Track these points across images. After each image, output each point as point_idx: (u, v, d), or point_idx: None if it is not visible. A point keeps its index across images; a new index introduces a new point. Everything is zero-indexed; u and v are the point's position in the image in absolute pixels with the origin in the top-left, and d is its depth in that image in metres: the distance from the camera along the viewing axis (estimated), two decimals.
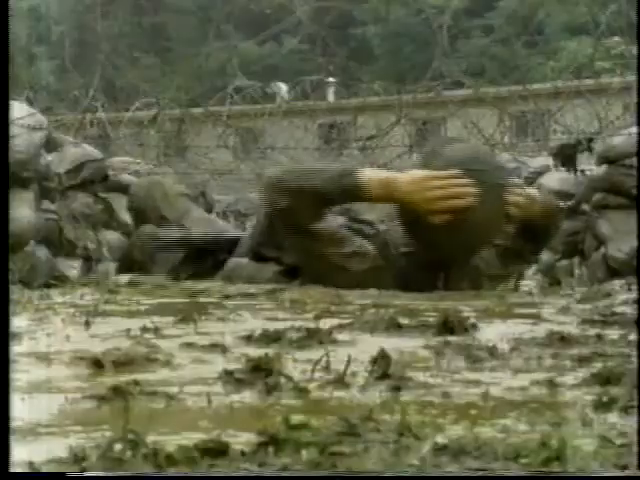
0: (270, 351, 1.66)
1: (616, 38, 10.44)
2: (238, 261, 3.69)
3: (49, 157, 4.99)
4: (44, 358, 1.69)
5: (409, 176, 3.34)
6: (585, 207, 4.91)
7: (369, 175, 3.35)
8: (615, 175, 4.48)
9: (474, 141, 8.28)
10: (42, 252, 4.71)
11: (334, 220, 3.47)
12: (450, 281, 3.46)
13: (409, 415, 1.18)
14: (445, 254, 3.40)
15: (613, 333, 2.02)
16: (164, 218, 4.02)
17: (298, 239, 3.41)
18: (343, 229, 3.46)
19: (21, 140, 4.54)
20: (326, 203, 3.38)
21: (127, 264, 4.14)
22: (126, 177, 6.66)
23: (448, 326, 2.03)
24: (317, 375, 1.50)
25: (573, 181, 5.48)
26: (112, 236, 5.89)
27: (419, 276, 3.43)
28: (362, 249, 3.43)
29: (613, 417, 1.20)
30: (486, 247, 3.46)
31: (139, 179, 5.35)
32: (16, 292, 3.14)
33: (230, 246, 3.82)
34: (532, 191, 3.64)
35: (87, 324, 2.21)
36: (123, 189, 6.50)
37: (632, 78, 7.95)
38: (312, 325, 2.04)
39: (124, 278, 3.76)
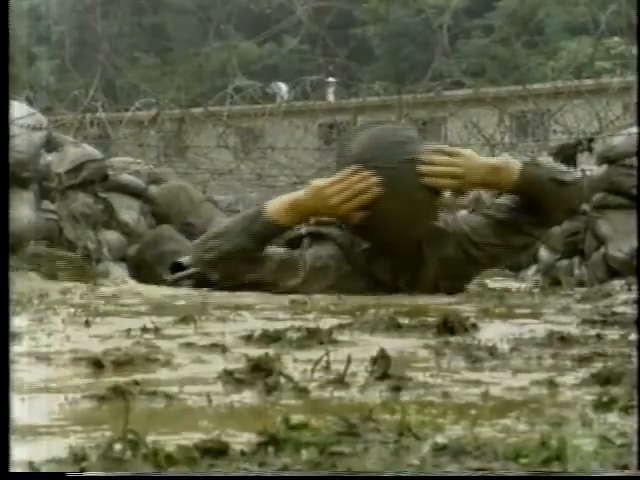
0: (270, 351, 1.66)
1: (616, 38, 10.43)
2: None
3: (49, 157, 4.98)
4: (44, 358, 1.69)
5: (309, 191, 3.41)
6: (585, 207, 4.91)
7: (272, 208, 3.42)
8: (615, 175, 4.48)
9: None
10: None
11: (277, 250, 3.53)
12: (416, 277, 3.45)
13: (409, 415, 1.18)
14: (386, 244, 3.41)
15: (613, 333, 2.02)
16: (189, 224, 4.03)
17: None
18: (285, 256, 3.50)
19: (21, 140, 4.54)
20: (254, 252, 3.43)
21: (136, 265, 4.14)
22: (126, 177, 6.66)
23: (448, 326, 2.03)
24: (317, 375, 1.50)
25: None
26: (112, 236, 5.88)
27: (382, 273, 3.45)
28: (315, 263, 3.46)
29: (613, 417, 1.20)
30: (423, 223, 3.38)
31: (164, 184, 5.35)
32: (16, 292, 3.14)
33: None
34: (472, 157, 3.44)
35: (87, 324, 2.21)
36: (123, 189, 6.50)
37: (632, 78, 7.95)
38: (312, 325, 2.04)
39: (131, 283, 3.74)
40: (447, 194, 3.46)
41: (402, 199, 3.30)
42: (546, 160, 3.82)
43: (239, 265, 3.42)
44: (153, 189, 7.69)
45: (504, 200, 3.56)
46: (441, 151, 3.42)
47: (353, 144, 3.46)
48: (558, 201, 3.45)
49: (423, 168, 3.32)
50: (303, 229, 3.57)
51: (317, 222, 3.57)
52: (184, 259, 3.73)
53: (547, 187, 3.40)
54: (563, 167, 3.72)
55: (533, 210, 3.47)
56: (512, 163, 3.45)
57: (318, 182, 3.45)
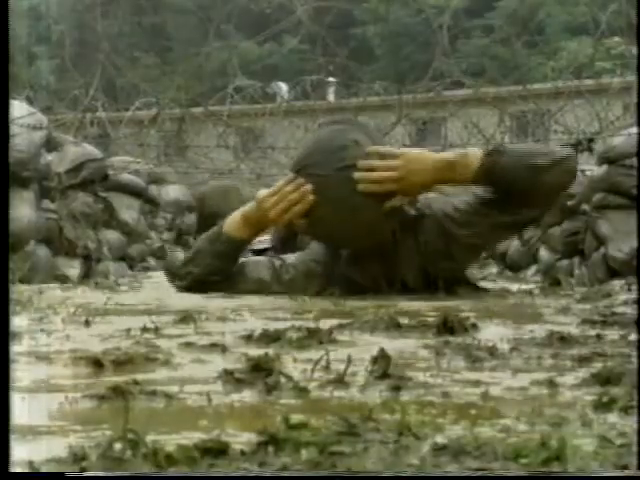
0: (270, 351, 1.66)
1: (616, 38, 10.43)
2: None
3: (49, 156, 4.98)
4: (44, 358, 1.69)
5: (253, 203, 3.44)
6: (585, 207, 4.91)
7: (229, 224, 3.47)
8: (615, 175, 4.48)
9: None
10: (42, 251, 4.71)
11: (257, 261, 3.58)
12: (398, 271, 3.43)
13: (409, 415, 1.18)
14: (343, 247, 3.42)
15: (613, 333, 2.02)
16: None
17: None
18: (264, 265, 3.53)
19: (21, 139, 4.54)
20: (226, 270, 3.47)
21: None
22: (126, 176, 6.66)
23: (448, 326, 2.03)
24: (317, 375, 1.50)
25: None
26: (112, 235, 5.89)
27: (361, 277, 3.44)
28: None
29: (613, 417, 1.20)
30: (368, 229, 3.29)
31: (212, 183, 5.34)
32: (16, 292, 3.14)
33: None
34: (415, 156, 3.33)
35: (87, 323, 2.21)
36: (123, 188, 6.51)
37: (632, 78, 7.95)
38: (312, 325, 2.04)
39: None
40: (396, 198, 3.30)
41: (336, 207, 3.24)
42: (517, 145, 3.70)
43: (217, 284, 3.46)
44: (167, 190, 7.68)
45: None
46: (376, 153, 3.30)
47: (301, 148, 3.47)
48: (536, 186, 3.25)
49: (357, 175, 3.24)
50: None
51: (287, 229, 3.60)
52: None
53: (516, 174, 3.23)
54: (540, 148, 3.59)
55: (511, 195, 3.31)
56: (470, 155, 3.29)
57: (260, 193, 3.46)
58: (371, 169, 3.25)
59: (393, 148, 3.48)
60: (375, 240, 3.35)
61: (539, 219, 4.05)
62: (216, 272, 3.46)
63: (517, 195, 3.29)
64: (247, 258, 3.63)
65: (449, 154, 3.42)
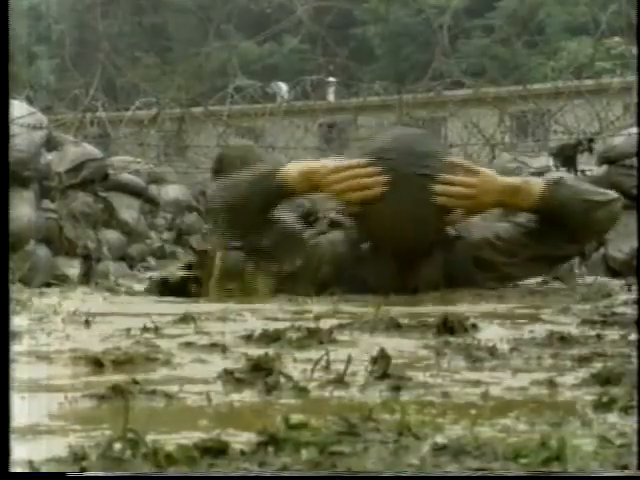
0: (270, 351, 1.66)
1: (616, 38, 10.44)
2: None
3: (49, 156, 4.98)
4: (44, 357, 1.69)
5: (319, 166, 3.34)
6: None
7: (286, 170, 3.35)
8: (615, 175, 4.48)
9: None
10: (42, 251, 4.71)
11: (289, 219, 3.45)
12: (417, 278, 3.37)
13: (409, 415, 1.18)
14: (383, 245, 3.31)
15: (613, 333, 2.02)
16: None
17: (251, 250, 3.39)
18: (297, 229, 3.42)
19: (21, 139, 4.54)
20: (259, 211, 3.36)
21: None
22: (126, 176, 6.66)
23: (448, 326, 2.03)
24: (317, 375, 1.50)
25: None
26: (112, 235, 5.89)
27: (380, 273, 3.37)
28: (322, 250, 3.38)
29: (613, 417, 1.20)
30: (421, 236, 3.26)
31: (229, 144, 5.21)
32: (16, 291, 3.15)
33: None
34: (487, 178, 3.33)
35: (87, 323, 2.21)
36: (123, 188, 6.51)
37: (632, 78, 7.95)
38: (312, 325, 2.04)
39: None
40: (457, 212, 3.30)
41: (403, 208, 3.22)
42: (575, 179, 3.74)
43: (246, 220, 3.35)
44: (167, 190, 7.65)
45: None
46: (460, 166, 3.32)
47: (378, 141, 3.42)
48: (588, 222, 3.34)
49: (438, 188, 3.23)
50: (331, 213, 3.52)
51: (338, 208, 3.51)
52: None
53: (573, 208, 3.30)
54: (597, 188, 3.61)
55: (561, 227, 3.36)
56: (533, 184, 3.35)
57: (327, 161, 3.38)
58: (450, 182, 3.26)
59: (472, 163, 3.51)
60: (419, 248, 3.33)
61: (573, 257, 4.03)
62: (251, 207, 3.33)
63: (567, 228, 3.36)
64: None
65: (515, 179, 3.46)
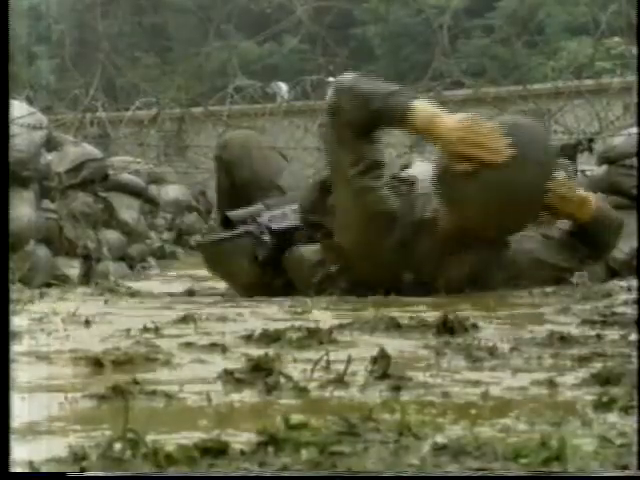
0: (270, 351, 1.66)
1: (616, 38, 10.43)
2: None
3: (49, 156, 4.98)
4: (44, 357, 1.69)
5: (456, 117, 3.18)
6: None
7: (419, 104, 3.17)
8: (615, 175, 4.47)
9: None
10: (42, 251, 4.71)
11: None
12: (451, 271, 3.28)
13: (409, 415, 1.18)
14: (469, 219, 3.15)
15: (613, 333, 2.02)
16: (256, 173, 3.78)
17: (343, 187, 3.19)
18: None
19: (21, 139, 4.54)
20: (375, 122, 3.19)
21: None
22: (126, 176, 6.66)
23: (448, 326, 2.03)
24: (317, 375, 1.50)
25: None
26: (112, 235, 5.89)
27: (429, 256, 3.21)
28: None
29: (613, 417, 1.20)
30: (514, 227, 3.22)
31: (232, 132, 5.11)
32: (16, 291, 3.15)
33: None
34: (582, 192, 3.38)
35: (87, 323, 2.21)
36: (123, 188, 6.51)
37: (632, 78, 7.94)
38: (312, 325, 2.04)
39: None
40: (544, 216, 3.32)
41: (511, 200, 3.11)
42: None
43: (360, 124, 3.17)
44: (167, 190, 7.63)
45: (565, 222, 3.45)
46: (568, 184, 3.31)
47: (513, 117, 3.38)
48: (613, 238, 3.48)
49: (552, 201, 3.21)
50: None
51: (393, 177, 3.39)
52: (234, 213, 3.53)
53: (612, 223, 3.42)
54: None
55: (592, 242, 3.42)
56: (591, 195, 3.40)
57: (465, 115, 3.21)
58: (562, 197, 3.25)
59: (582, 189, 3.48)
60: (505, 235, 3.29)
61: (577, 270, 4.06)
62: (373, 119, 3.17)
63: (601, 242, 3.46)
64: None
65: (582, 191, 3.43)
